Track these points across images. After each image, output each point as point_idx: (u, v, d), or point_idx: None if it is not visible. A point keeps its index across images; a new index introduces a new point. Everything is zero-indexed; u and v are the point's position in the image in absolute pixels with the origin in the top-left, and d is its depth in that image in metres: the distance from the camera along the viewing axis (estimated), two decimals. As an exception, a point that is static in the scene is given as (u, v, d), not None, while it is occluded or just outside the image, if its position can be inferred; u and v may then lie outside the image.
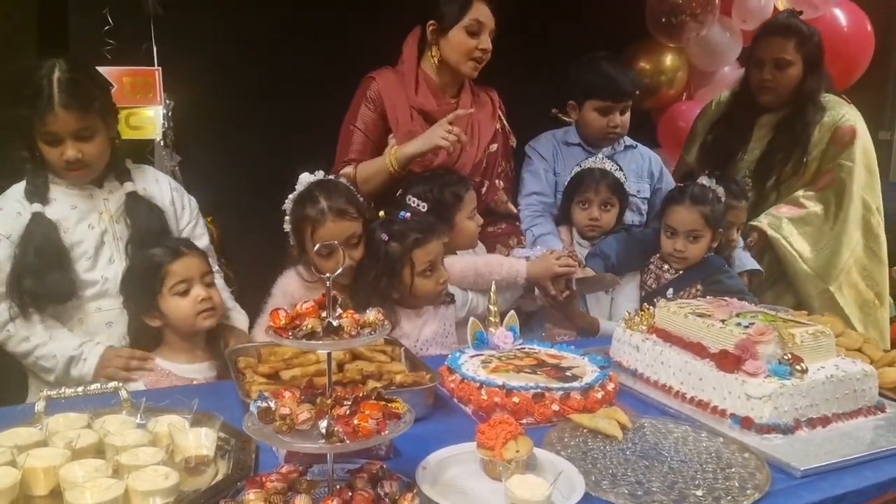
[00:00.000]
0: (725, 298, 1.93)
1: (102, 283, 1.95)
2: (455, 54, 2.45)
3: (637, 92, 2.72)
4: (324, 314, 1.09)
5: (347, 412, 1.07)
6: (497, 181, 2.62)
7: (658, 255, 2.43)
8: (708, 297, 1.95)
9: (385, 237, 1.99)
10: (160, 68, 2.71)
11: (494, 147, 2.62)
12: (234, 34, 2.93)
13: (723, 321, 1.68)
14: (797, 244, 2.77)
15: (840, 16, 3.41)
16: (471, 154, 2.54)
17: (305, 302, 1.10)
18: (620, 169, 2.55)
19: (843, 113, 2.84)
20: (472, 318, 1.81)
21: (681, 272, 2.38)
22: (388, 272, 1.99)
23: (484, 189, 2.59)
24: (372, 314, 1.10)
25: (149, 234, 1.98)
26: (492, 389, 1.54)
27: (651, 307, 1.89)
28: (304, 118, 2.92)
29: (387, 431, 1.07)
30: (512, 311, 1.87)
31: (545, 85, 3.01)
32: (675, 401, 1.65)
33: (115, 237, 1.98)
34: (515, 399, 1.52)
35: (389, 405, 1.12)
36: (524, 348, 1.83)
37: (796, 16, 2.86)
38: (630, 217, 2.72)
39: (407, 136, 2.43)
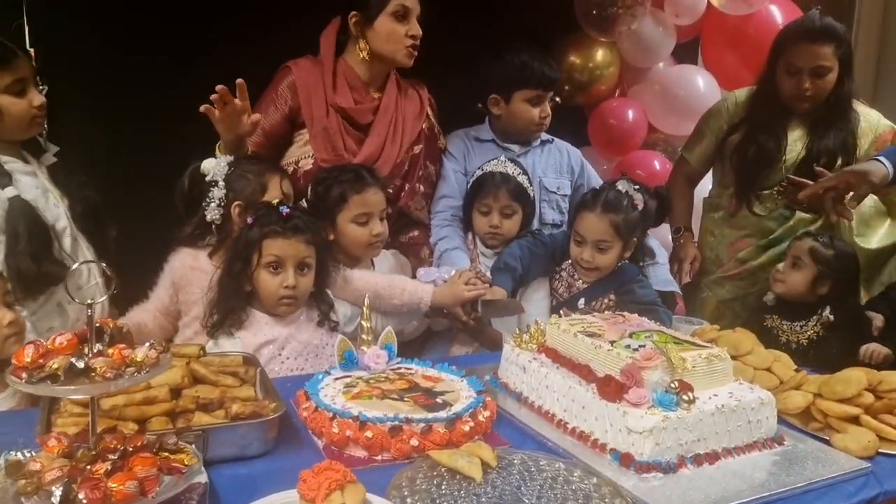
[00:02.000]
0: (624, 314, 1.78)
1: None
2: (387, 44, 2.30)
3: (559, 81, 2.58)
4: (85, 349, 0.89)
5: (110, 468, 0.88)
6: (418, 185, 2.44)
7: (570, 261, 2.27)
8: (607, 312, 1.79)
9: (250, 220, 1.85)
10: (33, 49, 2.47)
11: (419, 148, 2.44)
12: (122, 10, 2.67)
13: (612, 342, 1.53)
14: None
15: (776, 11, 3.29)
16: (391, 154, 2.36)
17: (61, 334, 0.89)
18: (524, 172, 2.38)
19: (877, 116, 2.69)
20: (339, 336, 1.62)
21: (592, 282, 2.21)
22: (241, 258, 1.84)
23: (403, 193, 2.41)
24: (143, 351, 0.91)
25: (87, 207, 1.99)
26: (345, 421, 1.36)
27: (541, 324, 1.73)
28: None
29: (155, 494, 0.87)
30: (389, 328, 1.69)
31: (472, 81, 2.83)
32: (555, 431, 1.49)
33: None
34: (369, 433, 1.34)
35: (172, 457, 0.93)
36: (399, 368, 1.66)
37: (827, 16, 2.60)
38: (551, 216, 2.56)
39: (322, 133, 2.27)
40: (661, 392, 1.38)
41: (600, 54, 3.44)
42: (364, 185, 2.09)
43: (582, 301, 2.17)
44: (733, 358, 1.89)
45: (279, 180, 2.05)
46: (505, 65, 2.50)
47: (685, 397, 1.37)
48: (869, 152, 2.65)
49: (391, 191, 2.32)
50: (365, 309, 1.64)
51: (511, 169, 2.31)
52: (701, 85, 3.36)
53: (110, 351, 0.89)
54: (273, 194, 1.99)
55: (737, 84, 3.04)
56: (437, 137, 2.55)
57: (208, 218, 1.98)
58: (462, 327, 2.16)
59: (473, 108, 3.02)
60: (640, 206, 2.16)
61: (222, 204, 1.98)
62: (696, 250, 2.74)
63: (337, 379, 1.57)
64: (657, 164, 3.38)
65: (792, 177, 2.56)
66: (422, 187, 2.46)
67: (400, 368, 1.65)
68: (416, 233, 2.45)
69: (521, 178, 2.31)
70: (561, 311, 2.09)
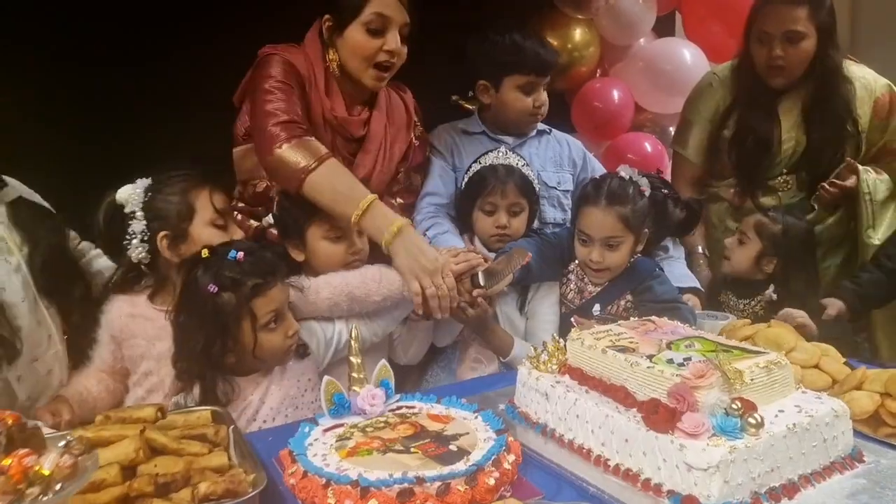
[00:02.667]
0: (653, 319, 1.54)
1: None
2: (353, 59, 1.96)
3: (556, 63, 2.31)
4: (-31, 462, 0.62)
5: None
6: (396, 200, 2.16)
7: (577, 264, 2.03)
8: (633, 318, 1.55)
9: (213, 288, 1.49)
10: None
11: (405, 165, 2.18)
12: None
13: (650, 357, 1.28)
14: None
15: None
16: (384, 174, 2.09)
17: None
18: (527, 164, 2.12)
19: (872, 77, 2.50)
20: (326, 378, 1.36)
21: (606, 283, 1.97)
22: (221, 332, 1.50)
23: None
24: (52, 459, 0.64)
25: (49, 243, 1.69)
26: (342, 488, 1.10)
27: (560, 339, 1.48)
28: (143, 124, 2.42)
29: None
30: (384, 362, 1.43)
31: (440, 69, 2.57)
32: (595, 471, 1.24)
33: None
34: (374, 502, 1.08)
35: None
36: (400, 409, 1.40)
37: None
38: (552, 214, 2.31)
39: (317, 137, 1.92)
40: (721, 415, 1.14)
41: (578, 34, 3.22)
42: None
43: (597, 307, 1.92)
44: (776, 357, 1.67)
45: (208, 196, 1.71)
46: (494, 47, 2.23)
47: (751, 420, 1.13)
48: (872, 122, 2.47)
49: None
50: (353, 343, 1.38)
51: (515, 160, 2.06)
52: (688, 58, 3.16)
53: (6, 462, 0.62)
54: (205, 216, 1.69)
55: (725, 56, 2.82)
56: (425, 147, 2.28)
57: (133, 258, 1.67)
58: (465, 319, 1.87)
59: (448, 100, 2.79)
60: (648, 193, 1.92)
61: (145, 238, 1.66)
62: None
63: (327, 430, 1.31)
64: (648, 147, 3.16)
65: (832, 181, 2.40)
66: (401, 199, 2.18)
67: (401, 408, 1.40)
68: None
69: (527, 170, 2.06)
70: (573, 319, 1.86)
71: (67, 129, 2.45)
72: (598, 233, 1.89)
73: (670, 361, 1.26)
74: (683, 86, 2.87)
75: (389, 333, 1.91)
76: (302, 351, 1.68)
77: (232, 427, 1.29)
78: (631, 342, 1.38)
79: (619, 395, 1.29)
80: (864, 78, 2.50)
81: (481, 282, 1.80)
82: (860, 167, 2.42)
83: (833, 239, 2.53)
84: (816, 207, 2.47)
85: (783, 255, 2.19)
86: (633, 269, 1.95)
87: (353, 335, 1.38)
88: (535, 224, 2.19)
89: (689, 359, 1.26)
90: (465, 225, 2.14)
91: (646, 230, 1.94)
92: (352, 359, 1.38)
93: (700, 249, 2.51)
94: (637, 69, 3.25)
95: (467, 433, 1.28)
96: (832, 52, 2.41)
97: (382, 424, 1.32)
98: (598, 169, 2.42)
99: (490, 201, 2.03)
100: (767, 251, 2.20)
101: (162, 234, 1.66)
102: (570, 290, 2.02)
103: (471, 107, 2.58)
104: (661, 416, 1.16)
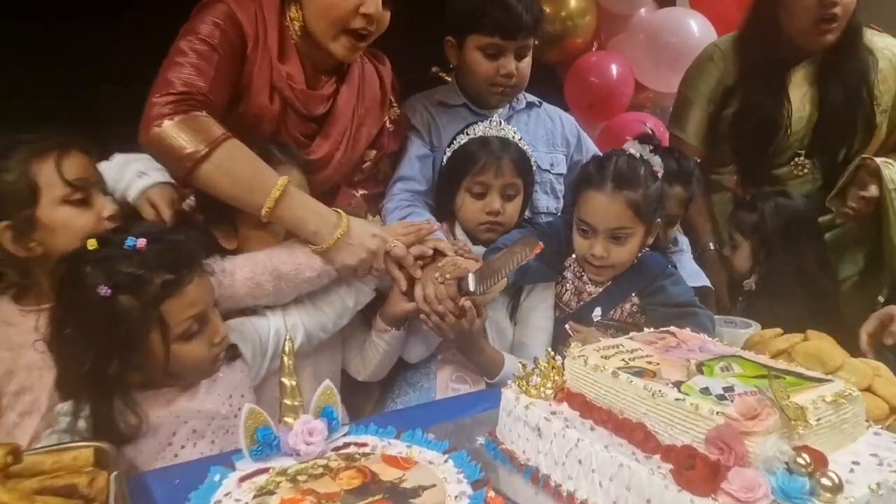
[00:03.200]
0: (671, 330, 1.22)
1: None
2: (321, 21, 1.56)
3: (538, 26, 1.88)
4: None
5: None
6: (356, 190, 1.80)
7: (574, 259, 1.70)
8: (648, 330, 1.23)
9: (105, 290, 1.13)
10: None
11: (372, 153, 1.80)
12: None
13: (678, 385, 0.96)
14: None
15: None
16: (345, 161, 1.71)
17: None
18: (522, 137, 1.78)
19: None
20: (247, 407, 1.02)
21: (609, 282, 1.65)
22: (120, 347, 1.16)
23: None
24: None
25: None
26: (250, 576, 0.77)
27: (556, 356, 1.16)
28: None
29: None
30: (328, 385, 1.10)
31: (417, 36, 2.22)
32: (605, 539, 0.93)
33: None
34: None
35: None
36: (347, 447, 1.07)
37: None
38: (544, 202, 1.97)
39: (257, 111, 1.55)
40: (782, 473, 0.82)
41: (574, 1, 2.88)
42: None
43: (598, 312, 1.61)
44: (820, 377, 1.36)
45: (54, 166, 1.30)
46: None
47: (825, 480, 0.81)
48: (892, 93, 2.17)
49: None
50: (285, 358, 1.04)
51: (508, 131, 1.71)
52: (694, 30, 2.83)
53: None
54: (54, 192, 1.30)
55: (735, 27, 2.50)
56: (402, 131, 1.90)
57: None
58: (447, 333, 1.51)
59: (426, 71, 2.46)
60: (661, 174, 1.60)
61: None
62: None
63: (244, 479, 0.97)
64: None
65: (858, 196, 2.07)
66: (363, 190, 1.81)
67: (348, 446, 1.07)
68: None
69: (523, 144, 1.72)
70: (567, 326, 1.53)
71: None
72: (602, 222, 1.57)
73: (705, 392, 0.94)
74: (689, 61, 2.55)
75: (345, 340, 1.58)
76: (231, 353, 1.34)
77: (115, 474, 0.95)
78: (650, 362, 1.05)
79: (637, 435, 0.97)
80: (887, 50, 2.20)
81: (470, 286, 1.43)
82: (880, 162, 2.11)
83: (849, 242, 2.22)
84: (834, 211, 2.16)
85: (768, 242, 1.95)
86: (641, 266, 1.63)
87: (285, 349, 1.05)
88: (526, 213, 1.86)
89: (730, 389, 0.94)
90: (445, 212, 1.80)
91: (658, 220, 1.61)
92: (283, 380, 1.05)
93: (712, 246, 2.20)
94: (637, 42, 2.93)
95: (433, 485, 0.96)
96: (857, 11, 2.11)
97: (321, 471, 0.99)
98: (594, 151, 2.09)
99: (480, 181, 1.67)
100: (758, 246, 1.97)
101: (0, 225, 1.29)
102: (566, 290, 1.69)
103: (450, 79, 2.24)
104: (698, 472, 0.84)
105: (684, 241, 2.00)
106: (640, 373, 1.01)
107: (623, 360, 1.06)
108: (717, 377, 0.99)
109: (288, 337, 1.06)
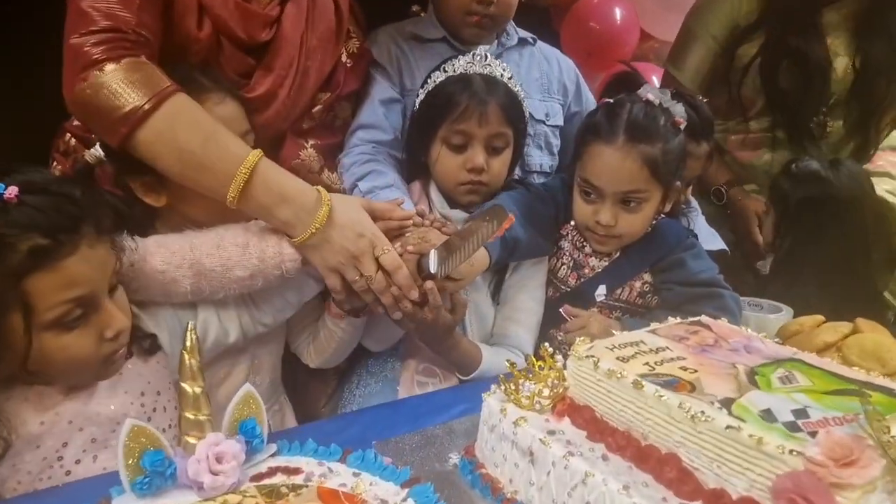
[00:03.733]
0: (702, 321, 0.94)
1: None
2: None
3: None
4: None
5: None
6: (305, 142, 1.44)
7: (573, 226, 1.41)
8: (674, 320, 0.95)
9: None
10: None
11: (325, 95, 1.45)
12: None
13: (727, 403, 0.69)
14: None
15: None
16: (291, 104, 1.36)
17: None
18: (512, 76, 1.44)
19: None
20: (129, 422, 0.73)
21: (616, 255, 1.37)
22: None
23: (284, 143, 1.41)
24: None
25: None
26: None
27: (554, 351, 0.88)
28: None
29: None
30: (247, 390, 0.81)
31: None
32: None
33: None
34: None
35: None
36: (272, 474, 0.79)
37: None
38: (538, 158, 1.66)
39: (182, 41, 1.21)
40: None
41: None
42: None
43: (602, 290, 1.32)
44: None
45: None
46: None
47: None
48: None
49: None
50: (187, 358, 0.76)
51: (496, 67, 1.37)
52: (710, -30, 2.50)
53: None
54: None
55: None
56: (362, 68, 1.56)
57: None
58: (407, 324, 1.21)
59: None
60: (684, 125, 1.31)
61: None
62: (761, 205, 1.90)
63: (123, 525, 0.69)
64: (656, 81, 2.53)
65: None
66: (315, 141, 1.46)
67: (274, 473, 0.79)
68: None
69: (513, 84, 1.39)
70: (562, 311, 1.26)
71: None
72: (611, 184, 1.27)
73: (768, 417, 0.67)
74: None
75: (292, 323, 1.30)
76: (148, 345, 1.06)
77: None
78: (683, 368, 0.78)
79: (669, 472, 0.70)
80: None
81: (431, 267, 1.12)
82: None
83: None
84: None
85: (792, 216, 1.69)
86: (655, 235, 1.35)
87: (186, 344, 0.76)
88: (517, 172, 1.55)
89: (803, 414, 0.68)
90: (417, 167, 1.49)
91: (678, 182, 1.32)
92: (184, 385, 0.76)
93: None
94: (644, -17, 2.61)
95: (381, 538, 0.68)
96: None
97: (232, 510, 0.71)
98: (594, 104, 1.78)
99: (461, 130, 1.34)
100: (779, 219, 1.73)
101: None
102: (563, 265, 1.40)
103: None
104: (769, 541, 0.57)
105: (694, 200, 1.72)
106: (672, 384, 0.74)
107: (647, 363, 0.79)
108: (778, 393, 0.73)
109: (191, 327, 0.77)
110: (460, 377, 1.29)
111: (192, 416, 0.76)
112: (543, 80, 1.70)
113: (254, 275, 1.09)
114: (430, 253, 1.11)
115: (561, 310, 1.30)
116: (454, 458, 0.91)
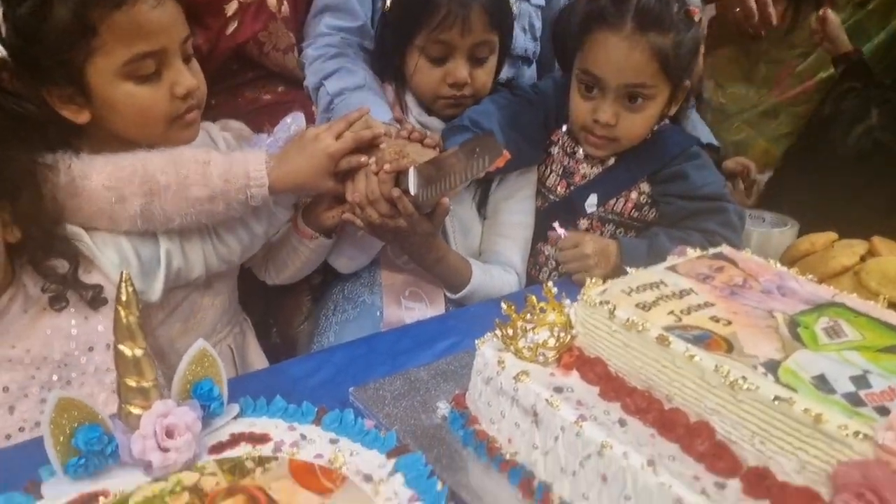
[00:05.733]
0: (727, 253, 0.83)
1: None
2: None
3: None
4: None
5: None
6: (273, 6, 1.27)
7: (564, 131, 1.26)
8: (694, 251, 0.83)
9: None
10: None
11: None
12: None
13: (773, 368, 0.59)
14: None
15: None
16: None
17: None
18: None
19: None
20: (55, 394, 0.60)
21: (610, 161, 1.23)
22: None
23: (231, 14, 1.21)
24: None
25: None
26: None
27: (552, 286, 0.76)
28: None
29: None
30: (200, 345, 0.68)
31: None
32: None
33: None
34: None
35: None
36: (236, 442, 0.67)
37: None
38: (522, 43, 1.42)
39: None
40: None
41: None
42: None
43: (593, 200, 1.20)
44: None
45: None
46: None
47: None
48: None
49: (206, 21, 1.18)
50: (122, 312, 0.62)
51: None
52: None
53: None
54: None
55: None
56: None
57: None
58: (385, 236, 1.11)
59: None
60: (699, 18, 1.15)
61: None
62: None
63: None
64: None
65: None
66: (285, 5, 1.29)
67: (237, 443, 0.67)
68: (281, 88, 1.34)
69: None
70: (554, 230, 1.15)
71: None
72: (615, 76, 1.11)
73: (823, 385, 0.57)
74: None
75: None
76: (91, 297, 0.90)
77: None
78: (715, 318, 0.67)
79: (700, 444, 0.60)
80: None
81: (411, 187, 1.00)
82: None
83: None
84: None
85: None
86: (656, 142, 1.21)
87: (122, 298, 0.62)
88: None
89: (863, 381, 0.58)
90: (390, 69, 1.30)
91: (688, 81, 1.18)
92: (121, 347, 0.63)
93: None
94: None
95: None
96: None
97: (186, 497, 0.60)
98: None
99: (441, 40, 1.16)
100: None
101: None
102: (552, 172, 1.26)
103: None
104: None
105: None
106: (703, 339, 0.64)
107: (672, 312, 0.68)
108: (827, 351, 0.62)
109: (125, 278, 0.62)
110: (449, 295, 1.18)
111: (133, 384, 0.63)
112: None
113: (213, 196, 0.93)
114: (410, 171, 0.97)
115: (551, 232, 1.18)
116: (443, 409, 0.81)
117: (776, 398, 0.56)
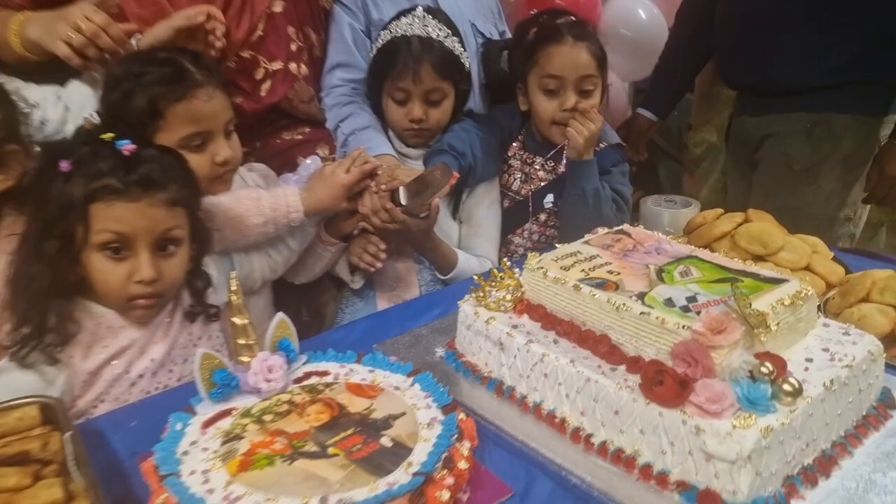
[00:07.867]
0: (626, 229, 1.21)
1: None
2: None
3: None
4: None
5: None
6: (295, 65, 1.62)
7: (519, 143, 1.66)
8: (601, 230, 1.21)
9: (67, 166, 1.09)
10: None
11: (280, 6, 1.57)
12: None
13: (641, 297, 0.96)
14: None
15: None
16: (237, 13, 1.49)
17: None
18: (453, 30, 1.61)
19: None
20: (200, 351, 0.96)
21: (561, 168, 1.63)
22: (56, 229, 1.10)
23: (261, 78, 1.57)
24: None
25: None
26: (232, 534, 0.76)
27: (512, 263, 1.13)
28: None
29: None
30: (281, 317, 1.05)
31: None
32: (575, 450, 0.95)
33: None
34: (279, 554, 0.74)
35: None
36: (309, 377, 1.04)
37: None
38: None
39: None
40: (746, 382, 0.85)
41: None
42: (189, 87, 1.25)
43: (550, 198, 1.59)
44: (761, 258, 1.41)
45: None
46: None
47: (787, 386, 0.84)
48: None
49: (242, 85, 1.53)
50: (233, 297, 0.98)
51: (433, 28, 1.57)
52: None
53: None
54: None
55: None
56: None
57: None
58: (392, 234, 1.51)
59: None
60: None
61: None
62: None
63: (208, 423, 0.94)
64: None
65: None
66: (303, 68, 1.64)
67: (309, 377, 1.04)
68: (308, 129, 1.69)
69: (450, 42, 1.58)
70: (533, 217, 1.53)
71: None
72: (572, 71, 1.55)
73: (669, 303, 0.94)
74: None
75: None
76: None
77: (68, 435, 0.90)
78: (610, 272, 1.05)
79: (602, 348, 0.97)
80: None
81: (402, 199, 1.41)
82: None
83: None
84: None
85: None
86: (598, 157, 1.61)
87: (232, 286, 0.98)
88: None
89: (693, 299, 0.95)
90: (376, 112, 1.69)
91: (609, 83, 1.60)
92: (234, 320, 0.99)
93: None
94: None
95: (403, 414, 0.95)
96: None
97: (286, 407, 0.96)
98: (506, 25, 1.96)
99: (401, 87, 1.57)
100: None
101: None
102: (515, 179, 1.66)
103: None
104: (668, 388, 0.85)
105: None
106: (602, 284, 1.01)
107: (583, 270, 1.05)
108: (678, 284, 1.00)
109: (234, 275, 0.99)
110: (440, 276, 1.56)
111: (243, 342, 0.99)
112: (483, 4, 1.86)
113: (266, 222, 1.30)
114: (400, 189, 1.36)
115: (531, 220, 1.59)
116: (440, 352, 1.18)
117: (641, 313, 0.93)
